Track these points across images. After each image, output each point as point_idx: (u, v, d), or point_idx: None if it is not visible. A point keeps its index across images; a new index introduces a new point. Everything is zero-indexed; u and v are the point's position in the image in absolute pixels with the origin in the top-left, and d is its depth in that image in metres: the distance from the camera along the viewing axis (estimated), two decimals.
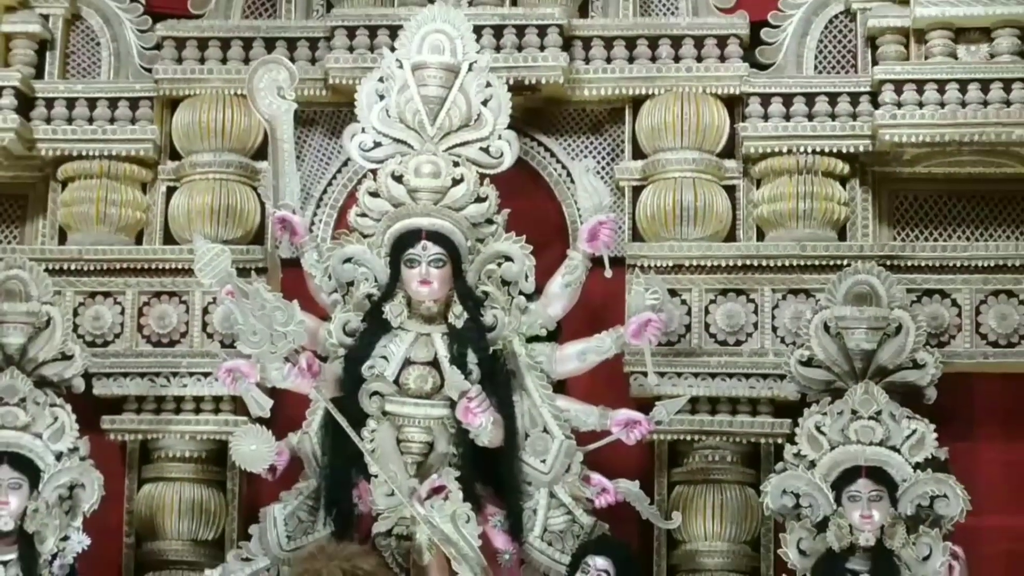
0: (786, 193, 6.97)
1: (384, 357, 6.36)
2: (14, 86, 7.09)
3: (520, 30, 7.03)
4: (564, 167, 7.17)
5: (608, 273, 6.43)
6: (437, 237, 6.36)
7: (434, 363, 6.35)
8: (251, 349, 6.24)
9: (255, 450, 6.20)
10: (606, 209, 6.48)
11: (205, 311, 7.05)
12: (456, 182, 6.45)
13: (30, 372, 6.61)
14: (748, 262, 6.94)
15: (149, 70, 7.26)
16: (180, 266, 6.97)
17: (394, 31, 6.78)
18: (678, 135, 7.01)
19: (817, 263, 6.87)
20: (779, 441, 6.65)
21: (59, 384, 6.67)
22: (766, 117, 7.02)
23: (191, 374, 6.97)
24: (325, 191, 7.27)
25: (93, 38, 7.42)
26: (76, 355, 6.73)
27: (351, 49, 7.08)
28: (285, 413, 6.55)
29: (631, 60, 7.10)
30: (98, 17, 7.40)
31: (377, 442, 6.27)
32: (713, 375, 6.86)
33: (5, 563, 6.21)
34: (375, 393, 6.32)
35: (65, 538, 6.27)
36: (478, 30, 6.76)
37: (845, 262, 6.73)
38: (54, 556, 6.24)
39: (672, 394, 6.59)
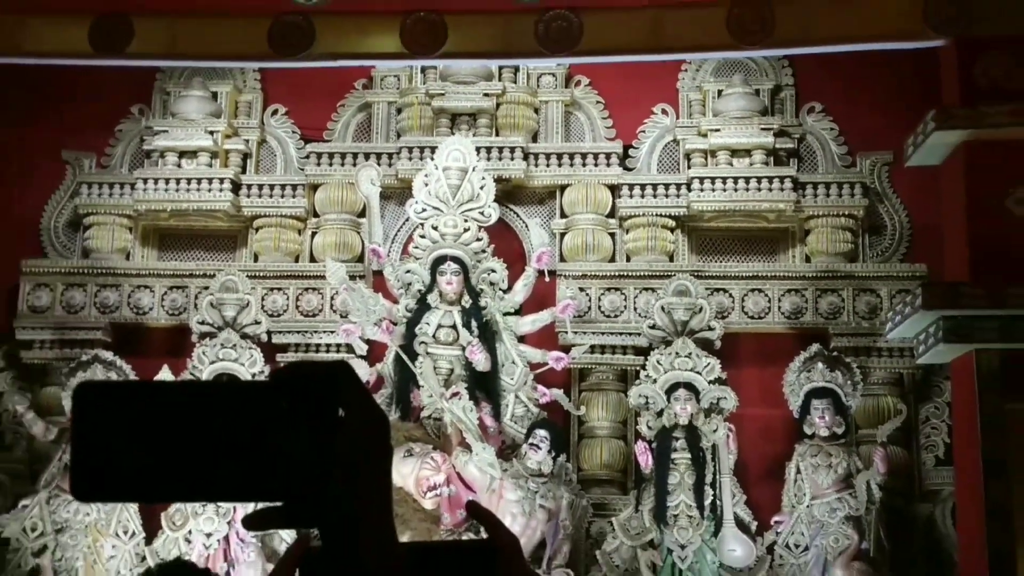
0: (642, 237, 6.92)
1: (427, 323, 6.34)
2: (230, 178, 7.04)
3: (500, 149, 6.96)
4: (524, 222, 7.07)
5: (547, 279, 6.46)
6: (456, 260, 6.37)
7: (454, 327, 6.33)
8: (356, 319, 6.32)
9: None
10: (546, 245, 6.51)
11: (332, 299, 6.90)
12: (466, 230, 6.46)
13: (237, 330, 6.63)
14: (622, 273, 6.88)
15: (303, 169, 7.17)
16: (319, 274, 6.89)
17: (433, 149, 6.73)
18: (584, 206, 6.97)
19: (658, 274, 6.80)
20: (637, 369, 6.60)
21: (253, 337, 6.68)
22: (631, 196, 6.95)
23: (325, 332, 6.88)
24: (396, 234, 7.15)
25: (272, 151, 7.34)
26: (263, 321, 6.74)
27: (410, 159, 6.98)
28: (374, 353, 6.52)
29: (559, 165, 7.03)
30: (275, 140, 7.36)
31: (423, 369, 6.27)
32: (603, 333, 6.77)
33: None
34: (422, 342, 6.32)
35: None
36: (477, 149, 6.72)
37: (673, 273, 6.70)
38: None
39: (581, 343, 6.56)
